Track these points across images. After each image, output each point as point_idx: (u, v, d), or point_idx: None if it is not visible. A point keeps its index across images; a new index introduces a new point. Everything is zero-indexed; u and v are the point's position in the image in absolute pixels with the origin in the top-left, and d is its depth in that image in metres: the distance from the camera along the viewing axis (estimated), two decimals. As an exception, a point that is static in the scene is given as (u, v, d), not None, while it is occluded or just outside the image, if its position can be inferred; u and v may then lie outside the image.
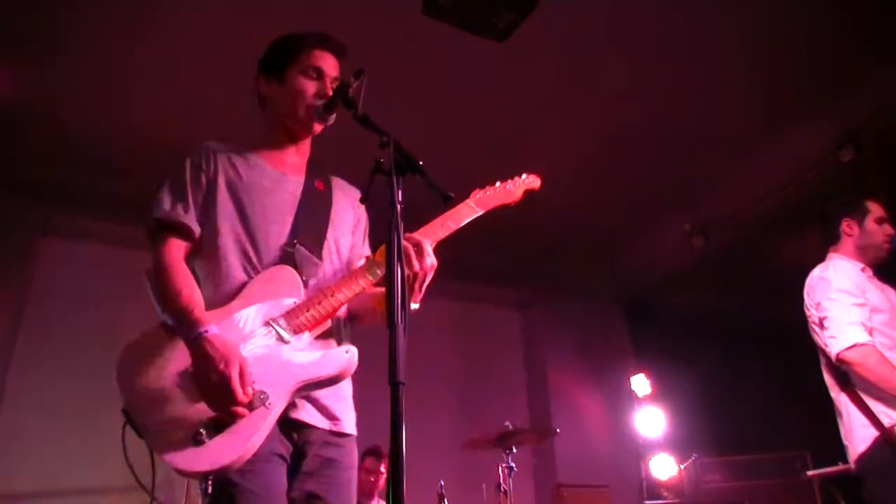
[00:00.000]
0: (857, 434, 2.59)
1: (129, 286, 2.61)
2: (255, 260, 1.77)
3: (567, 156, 5.42)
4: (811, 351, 2.87)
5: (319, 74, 1.92)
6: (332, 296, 1.74)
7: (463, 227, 1.95)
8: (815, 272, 2.85)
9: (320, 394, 1.74)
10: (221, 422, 1.52)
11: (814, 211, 3.09)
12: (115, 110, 4.69)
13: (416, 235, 1.78)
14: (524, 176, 2.18)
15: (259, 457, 1.56)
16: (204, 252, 1.80)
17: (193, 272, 1.77)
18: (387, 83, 3.27)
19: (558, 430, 4.26)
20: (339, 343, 1.80)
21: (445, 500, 4.03)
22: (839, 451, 2.75)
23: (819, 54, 4.52)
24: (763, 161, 5.49)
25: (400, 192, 1.48)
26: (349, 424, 1.83)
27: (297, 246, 1.80)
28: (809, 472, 3.99)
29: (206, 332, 1.57)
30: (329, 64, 1.94)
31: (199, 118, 4.48)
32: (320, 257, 1.85)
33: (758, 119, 5.11)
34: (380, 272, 1.76)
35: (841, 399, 2.69)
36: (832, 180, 4.87)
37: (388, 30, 4.12)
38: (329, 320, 1.78)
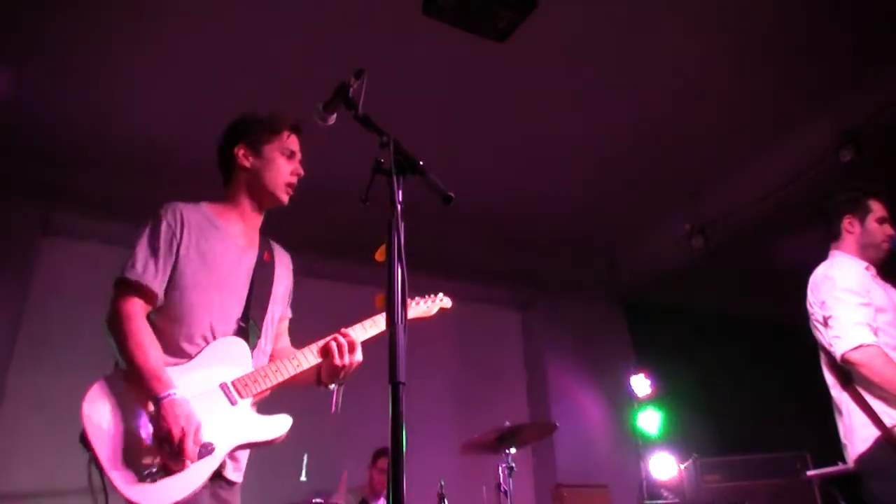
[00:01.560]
0: (858, 433, 2.57)
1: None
2: (215, 329, 2.04)
3: (567, 155, 5.42)
4: (811, 351, 2.85)
5: (292, 155, 2.26)
6: (277, 371, 2.05)
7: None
8: (820, 270, 2.82)
9: (242, 452, 2.05)
10: (170, 467, 1.78)
11: (814, 211, 3.07)
12: (115, 110, 4.68)
13: (350, 335, 2.12)
14: (441, 296, 2.61)
15: (197, 495, 1.83)
16: (170, 313, 2.01)
17: (150, 321, 1.98)
18: (387, 83, 3.27)
19: (557, 424, 4.26)
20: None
21: (445, 500, 4.02)
22: (839, 451, 2.73)
23: (819, 54, 4.52)
24: (763, 161, 5.50)
25: (400, 192, 1.49)
26: (242, 474, 2.11)
27: (249, 321, 2.10)
28: (809, 472, 3.97)
29: (174, 395, 1.82)
30: (298, 147, 2.27)
31: (198, 119, 4.47)
32: (261, 329, 2.15)
33: (757, 119, 5.11)
34: (315, 358, 2.11)
35: (842, 398, 2.67)
36: (832, 180, 4.87)
37: (388, 30, 4.12)
38: None
